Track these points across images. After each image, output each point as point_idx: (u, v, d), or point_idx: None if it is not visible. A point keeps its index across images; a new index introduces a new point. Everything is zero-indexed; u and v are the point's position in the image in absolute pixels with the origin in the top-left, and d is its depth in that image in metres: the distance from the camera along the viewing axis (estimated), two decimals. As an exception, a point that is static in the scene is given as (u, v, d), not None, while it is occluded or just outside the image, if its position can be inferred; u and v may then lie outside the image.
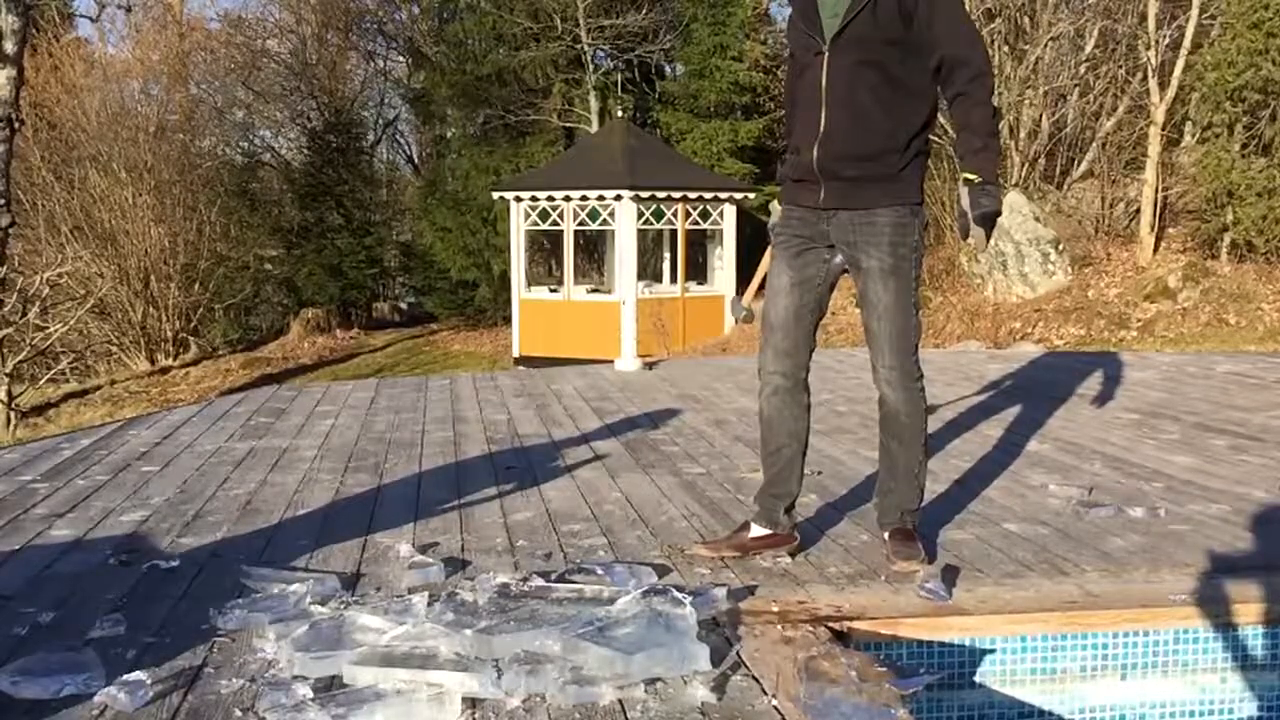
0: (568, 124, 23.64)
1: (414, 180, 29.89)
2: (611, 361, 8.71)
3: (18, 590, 3.22)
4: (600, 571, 3.14)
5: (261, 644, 2.71)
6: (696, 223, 18.03)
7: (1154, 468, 4.69)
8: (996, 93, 14.52)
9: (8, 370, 13.65)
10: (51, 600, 3.11)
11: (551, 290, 18.36)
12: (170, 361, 20.68)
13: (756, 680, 2.51)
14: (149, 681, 2.47)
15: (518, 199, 17.96)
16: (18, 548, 3.68)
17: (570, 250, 17.84)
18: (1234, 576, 3.22)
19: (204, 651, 2.71)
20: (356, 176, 26.44)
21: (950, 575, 3.21)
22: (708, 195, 17.94)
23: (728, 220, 18.19)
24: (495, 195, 19.21)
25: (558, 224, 17.73)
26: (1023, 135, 15.57)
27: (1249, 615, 3.00)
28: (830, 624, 2.86)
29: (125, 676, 2.48)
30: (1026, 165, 15.56)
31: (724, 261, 18.30)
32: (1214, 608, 3.01)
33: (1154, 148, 13.60)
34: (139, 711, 2.39)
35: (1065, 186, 15.93)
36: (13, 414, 13.51)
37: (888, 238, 3.22)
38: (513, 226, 18.21)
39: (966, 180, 3.18)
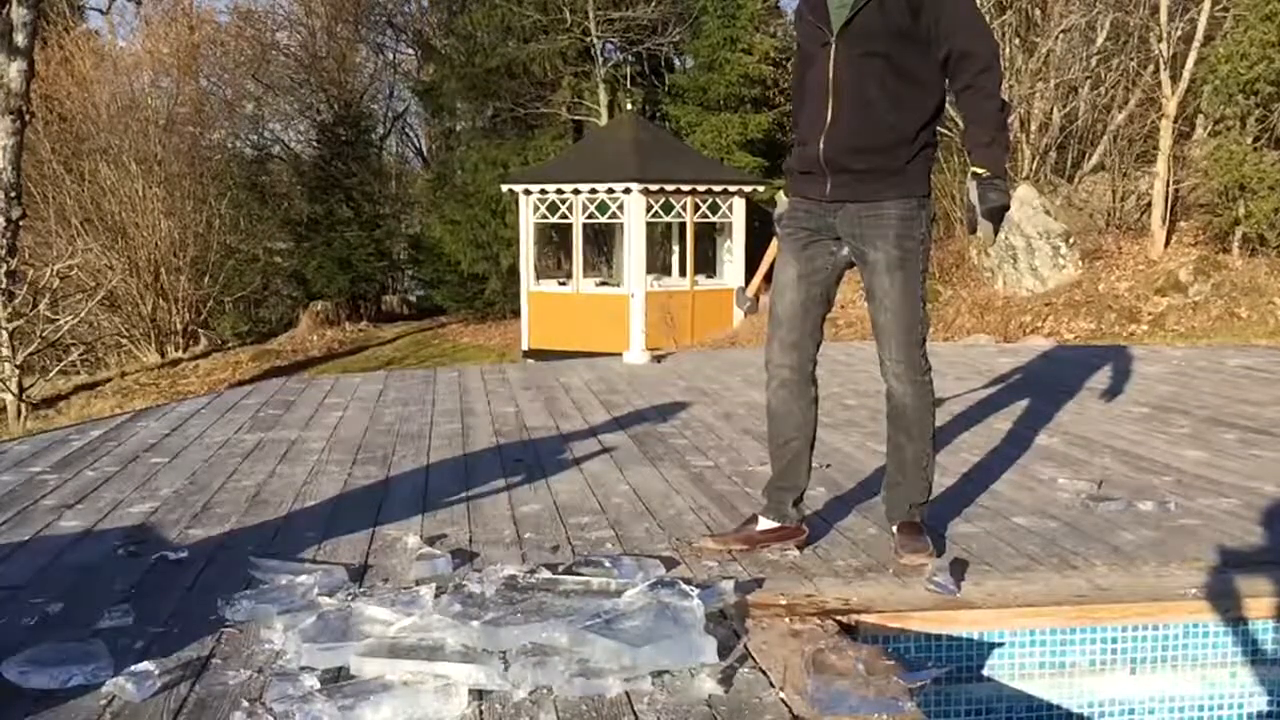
0: (577, 117, 23.64)
1: (423, 173, 29.94)
2: (620, 354, 8.70)
3: (26, 581, 3.23)
4: (608, 564, 3.14)
5: (269, 635, 2.71)
6: (705, 216, 18.00)
7: (1164, 462, 4.67)
8: (1006, 85, 14.38)
9: (18, 362, 13.68)
10: (60, 591, 3.12)
11: (560, 283, 18.36)
12: (180, 354, 20.73)
13: (764, 673, 2.50)
14: (156, 672, 2.47)
15: (526, 192, 17.96)
16: (27, 538, 3.69)
17: (579, 243, 17.83)
18: (1244, 571, 3.21)
19: (211, 642, 2.72)
20: (365, 169, 26.49)
21: (958, 569, 3.20)
22: (717, 188, 17.91)
23: (737, 213, 18.15)
24: (504, 188, 19.21)
25: (566, 217, 17.73)
26: (1033, 128, 15.50)
27: (1259, 610, 2.99)
28: (838, 617, 2.85)
29: (133, 667, 2.48)
30: (1037, 158, 15.49)
31: (733, 255, 18.27)
32: (1224, 602, 3.00)
33: (1165, 141, 13.52)
34: (146, 702, 2.39)
35: (1076, 180, 15.85)
36: (23, 406, 13.54)
37: (894, 231, 3.21)
38: (521, 219, 18.21)
39: (975, 174, 3.16)
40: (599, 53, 22.85)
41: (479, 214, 22.13)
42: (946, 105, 3.35)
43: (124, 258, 20.22)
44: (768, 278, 3.57)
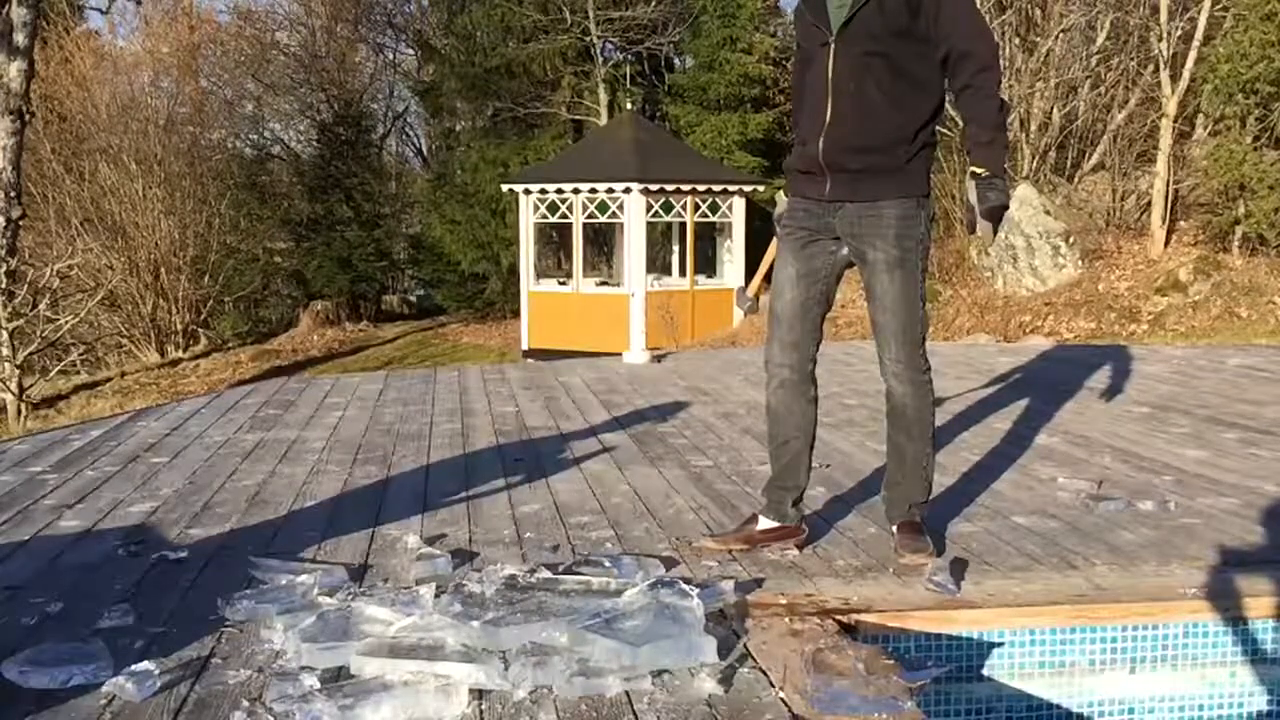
0: (576, 117, 23.64)
1: (423, 173, 29.96)
2: (620, 354, 8.70)
3: (27, 580, 3.23)
4: (608, 564, 3.14)
5: (269, 635, 2.71)
6: (705, 215, 18.00)
7: (1164, 461, 4.67)
8: (1006, 85, 14.35)
9: (18, 362, 13.68)
10: (60, 590, 3.12)
11: (560, 283, 18.36)
12: (180, 353, 20.73)
13: (764, 672, 2.50)
14: (157, 672, 2.47)
15: (526, 191, 17.96)
16: (27, 538, 3.69)
17: (579, 243, 17.83)
18: (1244, 570, 3.21)
19: (211, 642, 2.72)
20: (365, 169, 26.49)
21: (958, 568, 3.20)
22: (717, 188, 17.91)
23: (737, 213, 18.15)
24: (504, 188, 19.22)
25: (566, 217, 17.73)
26: (1033, 128, 15.50)
27: (1259, 609, 2.99)
28: (838, 616, 2.85)
29: (133, 666, 2.48)
30: (1037, 158, 15.49)
31: (733, 254, 18.27)
32: (1224, 601, 3.00)
33: (1165, 140, 13.52)
34: (146, 701, 2.39)
35: (1076, 179, 15.85)
36: (23, 406, 13.54)
37: (894, 230, 3.21)
38: (521, 219, 18.21)
39: (974, 174, 3.17)
40: (599, 52, 22.84)
41: (479, 214, 22.12)
42: (946, 105, 3.35)
43: (124, 257, 20.21)
44: (768, 277, 3.57)
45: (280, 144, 28.68)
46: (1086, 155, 16.18)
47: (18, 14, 13.59)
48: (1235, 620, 2.98)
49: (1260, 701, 3.03)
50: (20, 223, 14.34)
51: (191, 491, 4.32)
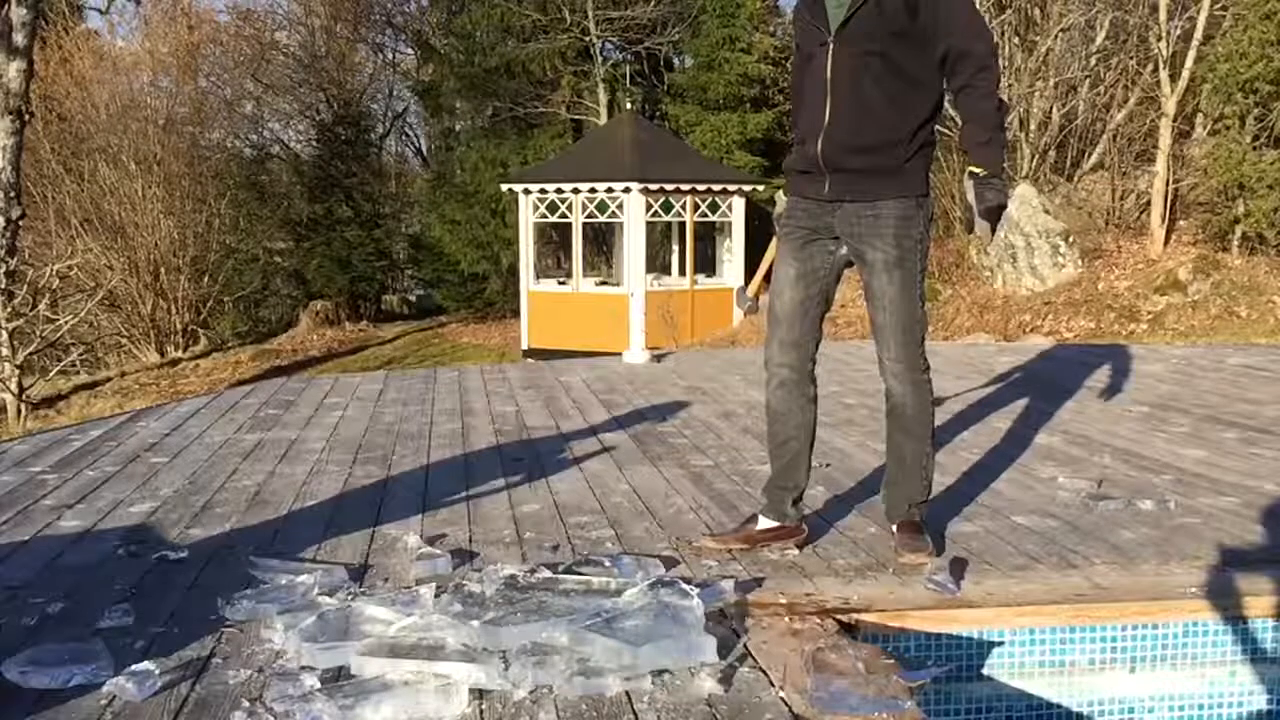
0: (576, 116, 23.66)
1: (422, 173, 29.97)
2: (620, 354, 8.70)
3: (27, 581, 3.23)
4: (608, 563, 3.14)
5: (269, 634, 2.71)
6: (705, 215, 18.01)
7: (1164, 460, 4.67)
8: (1006, 84, 14.34)
9: (18, 362, 13.67)
10: (60, 591, 3.12)
11: (560, 283, 18.36)
12: (180, 353, 20.73)
13: (764, 672, 2.50)
14: (157, 672, 2.47)
15: (526, 191, 17.96)
16: (27, 539, 3.69)
17: (579, 242, 17.83)
18: (1244, 569, 3.21)
19: (212, 642, 2.72)
20: (365, 169, 26.51)
21: (958, 568, 3.21)
22: (716, 188, 17.91)
23: (736, 213, 18.16)
24: (504, 187, 19.22)
25: (566, 216, 17.73)
26: (1033, 127, 15.50)
27: (1259, 608, 2.99)
28: (838, 616, 2.85)
29: (133, 666, 2.48)
30: (1037, 157, 15.49)
31: (732, 254, 18.28)
32: (1224, 601, 3.00)
33: (1165, 140, 13.52)
34: (147, 701, 2.40)
35: (1075, 179, 15.85)
36: (23, 405, 13.54)
37: (892, 230, 3.21)
38: (521, 219, 18.21)
39: (972, 174, 3.17)
40: (598, 52, 22.85)
41: (479, 214, 22.14)
42: (945, 104, 3.35)
43: (123, 257, 20.22)
44: (767, 277, 3.58)
45: (280, 144, 28.69)
46: (1086, 154, 16.18)
47: (17, 14, 13.58)
48: (1235, 620, 2.98)
49: (1260, 701, 3.03)
50: (20, 223, 14.31)
51: (191, 491, 4.32)
